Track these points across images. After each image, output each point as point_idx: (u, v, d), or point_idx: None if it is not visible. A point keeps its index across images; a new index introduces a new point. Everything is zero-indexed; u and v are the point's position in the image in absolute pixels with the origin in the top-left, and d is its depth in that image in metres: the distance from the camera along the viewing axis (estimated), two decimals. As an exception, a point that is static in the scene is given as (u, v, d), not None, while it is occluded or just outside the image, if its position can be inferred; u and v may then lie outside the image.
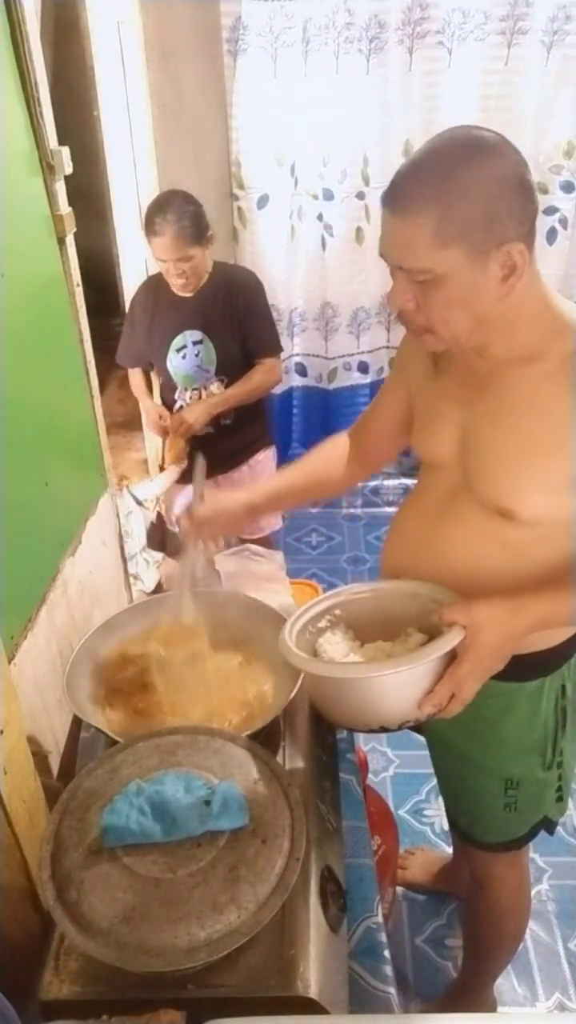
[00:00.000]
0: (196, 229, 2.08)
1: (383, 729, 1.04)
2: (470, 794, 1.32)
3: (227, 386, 2.28)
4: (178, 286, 2.19)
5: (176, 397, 2.34)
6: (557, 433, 0.99)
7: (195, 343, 2.24)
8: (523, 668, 1.17)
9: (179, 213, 2.05)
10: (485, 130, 0.95)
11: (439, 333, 1.00)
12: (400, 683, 0.96)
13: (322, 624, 1.14)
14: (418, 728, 1.43)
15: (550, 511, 1.03)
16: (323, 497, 1.44)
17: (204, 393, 2.29)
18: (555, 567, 1.06)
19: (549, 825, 1.33)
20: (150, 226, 2.07)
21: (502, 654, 1.00)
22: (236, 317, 2.23)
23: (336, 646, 1.10)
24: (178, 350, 2.25)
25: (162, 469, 2.43)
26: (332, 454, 1.36)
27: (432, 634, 1.03)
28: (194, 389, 2.30)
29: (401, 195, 0.93)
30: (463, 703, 1.00)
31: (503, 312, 0.98)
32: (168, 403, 2.40)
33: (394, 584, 1.16)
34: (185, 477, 2.44)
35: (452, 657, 0.98)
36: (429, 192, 0.90)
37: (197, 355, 2.25)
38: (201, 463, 1.36)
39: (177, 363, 2.27)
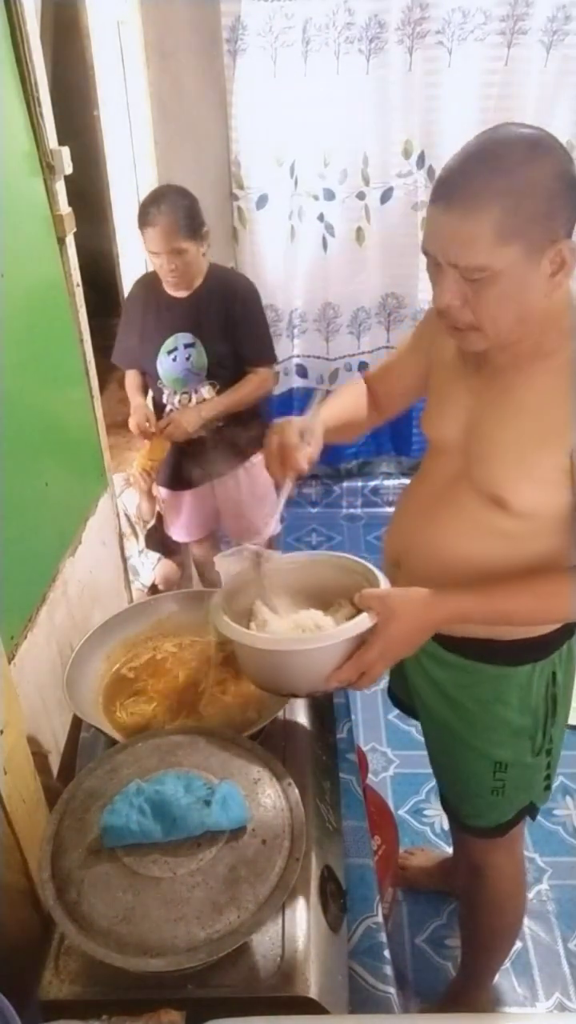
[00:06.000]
0: (189, 222, 2.06)
1: (292, 695, 1.11)
2: (460, 776, 1.34)
3: (218, 391, 2.25)
4: (171, 283, 2.16)
5: (165, 400, 2.30)
6: (553, 427, 1.00)
7: (186, 346, 2.20)
8: (515, 653, 1.19)
9: (173, 205, 2.03)
10: (535, 128, 0.95)
11: (485, 330, 0.99)
12: (310, 658, 1.02)
13: None
14: (413, 712, 1.46)
15: (542, 504, 1.05)
16: (349, 439, 1.45)
17: (195, 397, 2.25)
18: (545, 561, 1.08)
19: (532, 810, 1.35)
20: (143, 217, 2.05)
21: (412, 642, 1.04)
22: (230, 323, 2.20)
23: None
24: (169, 352, 2.21)
25: (145, 470, 2.40)
26: (359, 398, 1.36)
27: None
28: (183, 392, 2.25)
29: (461, 192, 0.91)
30: (371, 681, 1.03)
31: (542, 309, 0.98)
32: (158, 406, 2.35)
33: (330, 556, 1.20)
34: (183, 483, 2.42)
35: (364, 638, 1.03)
36: (493, 189, 0.89)
37: (188, 358, 2.20)
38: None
39: (168, 365, 2.22)
